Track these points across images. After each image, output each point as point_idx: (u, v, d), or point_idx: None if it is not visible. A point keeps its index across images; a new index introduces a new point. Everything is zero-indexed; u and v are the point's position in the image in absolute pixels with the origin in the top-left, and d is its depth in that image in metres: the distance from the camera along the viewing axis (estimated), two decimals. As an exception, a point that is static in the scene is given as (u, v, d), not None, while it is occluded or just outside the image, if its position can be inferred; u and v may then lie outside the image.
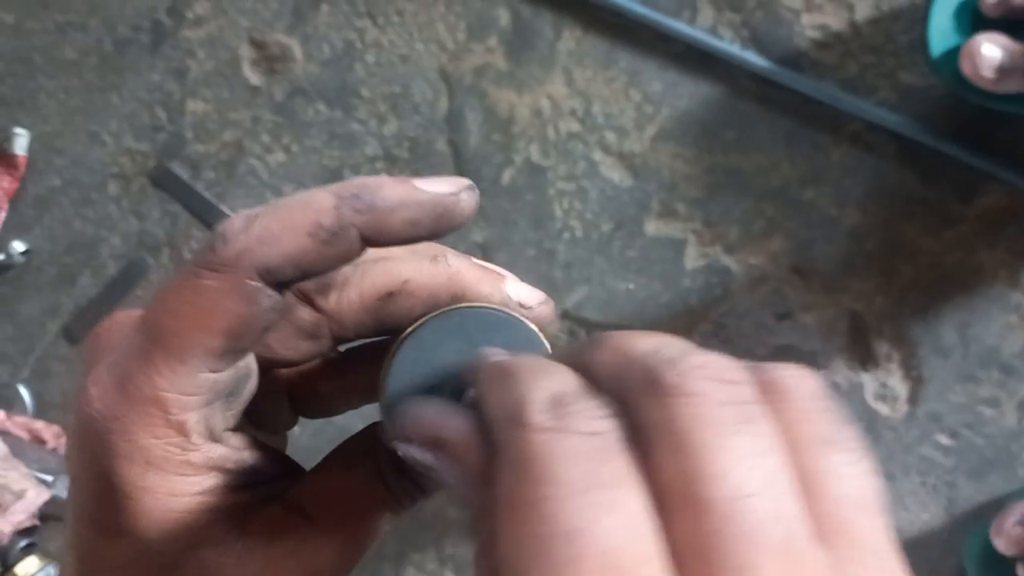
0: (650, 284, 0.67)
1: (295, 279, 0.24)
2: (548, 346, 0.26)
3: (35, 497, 0.69)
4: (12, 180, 0.69)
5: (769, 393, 0.20)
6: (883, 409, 0.66)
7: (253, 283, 0.23)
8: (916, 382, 0.66)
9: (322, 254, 0.23)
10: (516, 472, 0.18)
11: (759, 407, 0.19)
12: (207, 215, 0.69)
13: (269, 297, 0.23)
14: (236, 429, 0.26)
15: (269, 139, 0.68)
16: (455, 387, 0.24)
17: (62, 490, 0.70)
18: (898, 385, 0.66)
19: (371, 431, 0.27)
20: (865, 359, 0.66)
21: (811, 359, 0.66)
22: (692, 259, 0.67)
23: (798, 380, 0.21)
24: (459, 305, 0.26)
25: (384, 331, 0.27)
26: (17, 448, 0.69)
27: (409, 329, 0.25)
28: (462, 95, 0.67)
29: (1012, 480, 0.66)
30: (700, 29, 0.64)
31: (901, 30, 0.63)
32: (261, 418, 0.29)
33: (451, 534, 0.70)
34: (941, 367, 0.66)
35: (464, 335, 0.25)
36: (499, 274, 0.28)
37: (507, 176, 0.67)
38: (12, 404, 0.71)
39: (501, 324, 0.26)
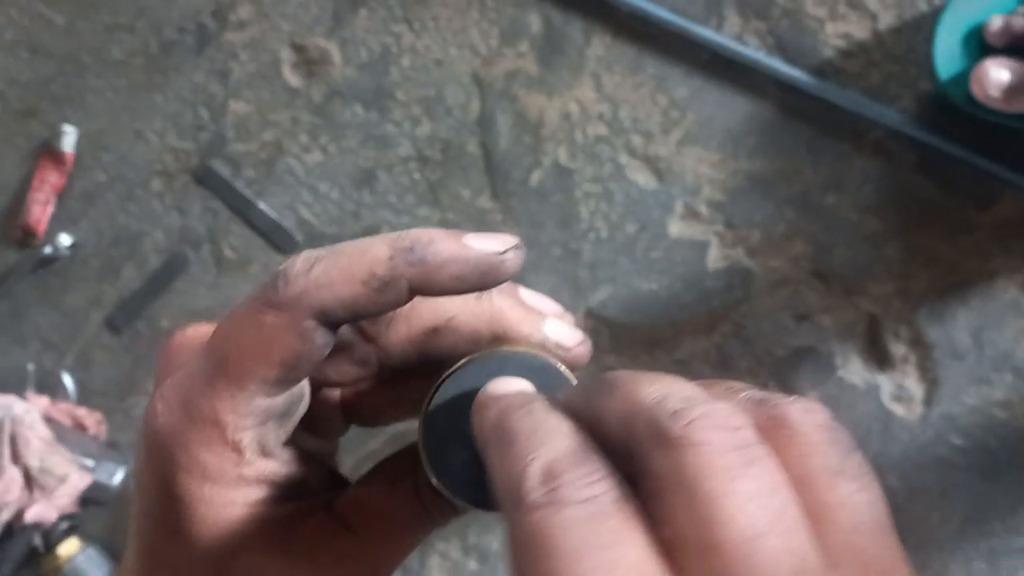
0: (673, 285, 0.69)
1: (347, 320, 0.26)
2: None
3: (77, 481, 0.72)
4: (60, 176, 0.72)
5: (776, 428, 0.21)
6: (899, 410, 0.68)
7: (309, 323, 0.25)
8: (931, 384, 0.68)
9: (373, 301, 0.25)
10: (519, 551, 0.19)
11: (762, 448, 0.20)
12: (246, 212, 0.72)
13: (323, 336, 0.25)
14: (288, 443, 0.28)
15: (307, 139, 0.71)
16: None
17: (103, 475, 0.73)
18: (914, 387, 0.68)
19: (413, 449, 0.29)
20: (882, 361, 0.68)
21: (829, 360, 0.68)
22: (714, 261, 0.69)
23: (803, 414, 0.21)
24: (498, 349, 0.27)
25: (428, 362, 0.29)
26: (60, 434, 0.72)
27: (449, 371, 0.27)
28: (493, 99, 0.69)
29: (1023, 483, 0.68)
30: (726, 36, 0.66)
31: (923, 40, 0.65)
32: (314, 425, 0.31)
33: (475, 524, 0.72)
34: (956, 370, 0.67)
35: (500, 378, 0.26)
36: (540, 313, 0.29)
37: (535, 178, 0.69)
38: (56, 391, 0.74)
39: (535, 368, 0.27)
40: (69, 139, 0.72)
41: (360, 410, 0.32)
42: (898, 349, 0.68)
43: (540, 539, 0.19)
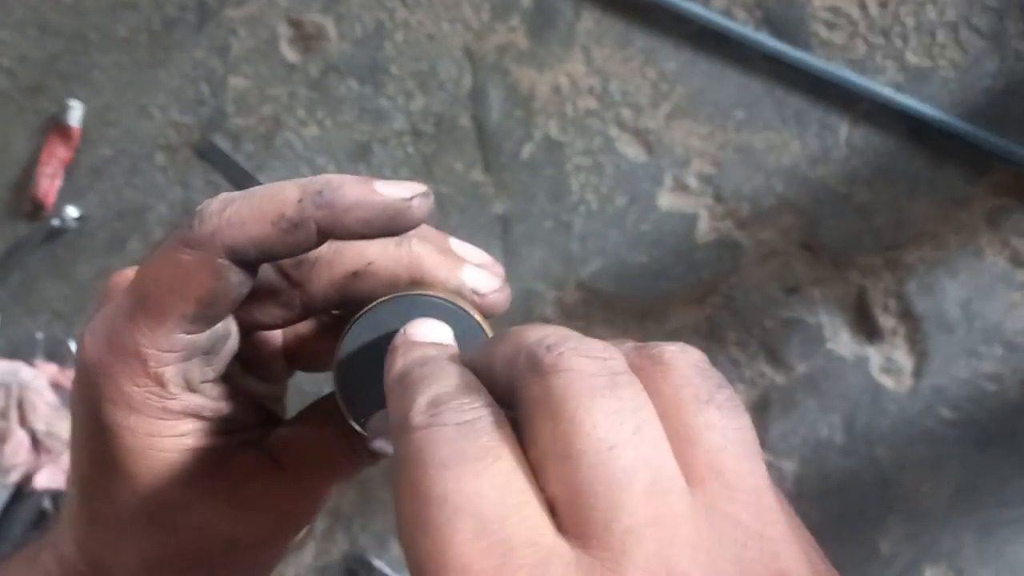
0: (663, 257, 0.70)
1: (260, 260, 0.27)
2: (488, 334, 0.28)
3: (84, 445, 0.74)
4: (67, 150, 0.74)
5: (652, 366, 0.22)
6: (888, 383, 0.68)
7: (222, 261, 0.26)
8: (921, 356, 0.68)
9: (283, 241, 0.26)
10: (400, 469, 0.21)
11: (628, 376, 0.21)
12: (247, 185, 0.73)
13: (236, 274, 0.26)
14: (221, 381, 0.29)
15: (304, 114, 0.72)
16: None
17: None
18: (903, 359, 0.68)
19: None
20: (871, 333, 0.68)
21: (818, 332, 0.68)
22: (704, 233, 0.69)
23: (678, 353, 0.22)
24: (409, 292, 0.28)
25: (349, 305, 0.30)
26: (67, 400, 0.74)
27: (360, 312, 0.28)
28: (485, 73, 0.70)
29: (1014, 454, 0.67)
30: (715, 10, 0.67)
31: (909, 12, 0.65)
32: (257, 368, 0.32)
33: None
34: (945, 342, 0.67)
35: (407, 320, 0.27)
36: (459, 260, 0.30)
37: (527, 151, 0.70)
38: (64, 359, 0.76)
39: (443, 312, 0.27)
40: (76, 114, 0.74)
41: (300, 355, 0.33)
42: (887, 321, 0.68)
43: (417, 454, 0.20)
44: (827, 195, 0.67)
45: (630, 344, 0.23)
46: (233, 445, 0.30)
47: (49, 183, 0.75)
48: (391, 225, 0.27)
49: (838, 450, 0.69)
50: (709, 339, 0.70)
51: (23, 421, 0.72)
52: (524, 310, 0.71)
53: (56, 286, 0.76)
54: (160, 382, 0.27)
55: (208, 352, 0.28)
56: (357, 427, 0.28)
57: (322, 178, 0.27)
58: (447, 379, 0.22)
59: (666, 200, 0.69)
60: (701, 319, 0.70)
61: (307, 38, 0.72)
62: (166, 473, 0.28)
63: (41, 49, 0.75)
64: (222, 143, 0.73)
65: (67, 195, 0.75)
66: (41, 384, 0.72)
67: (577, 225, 0.70)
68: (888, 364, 0.68)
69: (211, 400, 0.29)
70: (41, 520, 0.76)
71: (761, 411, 0.69)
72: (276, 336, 0.33)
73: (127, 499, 0.28)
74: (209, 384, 0.29)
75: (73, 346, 0.76)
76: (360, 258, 0.30)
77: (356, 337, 0.28)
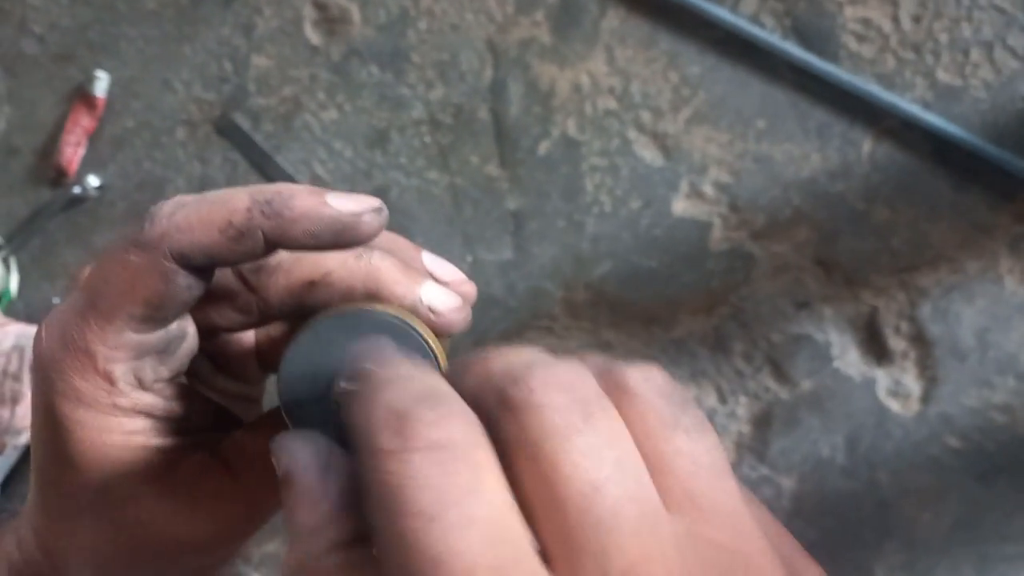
0: (673, 263, 0.69)
1: (207, 266, 0.27)
2: (439, 356, 0.27)
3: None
4: (92, 120, 0.75)
5: (617, 392, 0.21)
6: (895, 406, 0.67)
7: (170, 265, 0.26)
8: (930, 382, 0.66)
9: (230, 249, 0.26)
10: (377, 504, 0.19)
11: (601, 402, 0.21)
12: (263, 165, 0.74)
13: (184, 278, 0.26)
14: (176, 381, 0.29)
15: (324, 97, 0.72)
16: (331, 387, 0.25)
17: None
18: (912, 384, 0.67)
19: None
20: (880, 355, 0.67)
21: (826, 349, 0.67)
22: (717, 242, 0.68)
23: (642, 379, 0.22)
24: (358, 306, 0.27)
25: (305, 315, 0.29)
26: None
27: (308, 322, 0.27)
28: (507, 66, 0.69)
29: (1019, 489, 0.66)
30: (742, 16, 0.65)
31: (943, 28, 0.63)
32: (230, 369, 0.32)
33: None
34: (957, 370, 0.66)
35: (354, 336, 0.26)
36: (420, 276, 0.29)
37: (543, 148, 0.70)
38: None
39: (389, 329, 0.26)
40: (102, 84, 0.75)
41: (271, 356, 0.33)
42: (898, 344, 0.66)
43: (393, 496, 0.19)
44: (845, 211, 0.66)
45: (598, 361, 0.23)
46: (186, 446, 0.30)
47: (73, 151, 0.75)
48: (339, 239, 0.27)
49: (838, 471, 0.68)
50: (715, 349, 0.69)
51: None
52: (531, 308, 0.70)
53: (75, 253, 0.78)
54: (109, 379, 0.28)
55: (162, 352, 0.29)
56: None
57: (274, 187, 0.27)
58: (409, 385, 0.21)
59: (681, 206, 0.68)
60: (708, 328, 0.69)
61: (331, 21, 0.72)
62: (114, 468, 0.28)
63: (72, 17, 0.75)
64: (242, 121, 0.74)
65: (89, 164, 0.76)
66: (53, 349, 0.73)
67: (590, 226, 0.70)
68: (896, 387, 0.67)
69: (163, 399, 0.29)
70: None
71: (763, 425, 0.68)
72: (248, 337, 0.34)
73: (76, 491, 0.29)
74: (163, 384, 0.29)
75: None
76: (318, 268, 0.30)
77: (300, 350, 0.27)
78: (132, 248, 0.26)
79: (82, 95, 0.75)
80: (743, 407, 0.69)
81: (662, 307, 0.69)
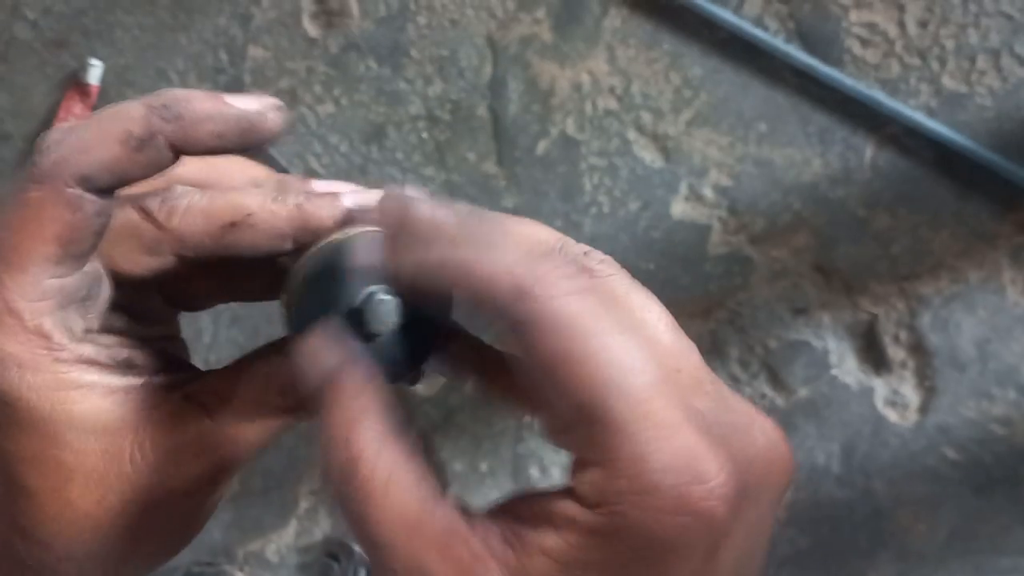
0: (671, 266, 0.68)
1: (114, 185, 0.25)
2: None
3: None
4: (84, 108, 0.74)
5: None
6: (892, 415, 0.66)
7: (73, 191, 0.25)
8: (928, 392, 0.66)
9: (134, 161, 0.25)
10: (543, 336, 0.23)
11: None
12: (256, 158, 0.72)
13: (92, 203, 0.25)
14: (106, 330, 0.28)
15: (321, 90, 0.71)
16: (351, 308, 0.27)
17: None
18: (910, 393, 0.66)
19: (271, 344, 0.29)
20: (879, 364, 0.66)
21: (823, 357, 0.66)
22: (715, 246, 0.67)
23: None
24: (341, 235, 0.28)
25: (226, 255, 0.28)
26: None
27: (305, 258, 0.27)
28: (506, 63, 0.69)
29: (1015, 502, 0.65)
30: (746, 18, 0.65)
31: (949, 34, 0.62)
32: (136, 313, 0.31)
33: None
34: (956, 380, 0.65)
35: (351, 259, 0.27)
36: (333, 195, 0.29)
37: (542, 147, 0.69)
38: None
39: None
40: (96, 72, 0.74)
41: (175, 294, 0.32)
42: (897, 353, 0.66)
43: (567, 320, 0.23)
44: (845, 217, 0.65)
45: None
46: (151, 390, 0.29)
47: (64, 139, 0.74)
48: (245, 138, 0.26)
49: (834, 479, 0.67)
50: (711, 354, 0.68)
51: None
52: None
53: (65, 242, 0.77)
54: (43, 334, 0.26)
55: (85, 298, 0.27)
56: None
57: (168, 91, 0.26)
58: (530, 238, 0.26)
59: (679, 208, 0.68)
60: (705, 333, 0.68)
61: (330, 13, 0.71)
62: (85, 427, 0.27)
63: (66, 3, 0.74)
64: (237, 113, 0.73)
65: (81, 153, 0.75)
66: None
67: (587, 226, 0.69)
68: (894, 397, 0.66)
69: (104, 348, 0.28)
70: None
71: (758, 433, 0.68)
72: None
73: (50, 464, 0.27)
74: (95, 333, 0.28)
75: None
76: (237, 209, 0.28)
77: (310, 276, 0.27)
78: (30, 185, 0.25)
79: (76, 82, 0.74)
80: (738, 413, 0.68)
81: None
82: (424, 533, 0.24)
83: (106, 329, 0.28)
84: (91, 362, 0.27)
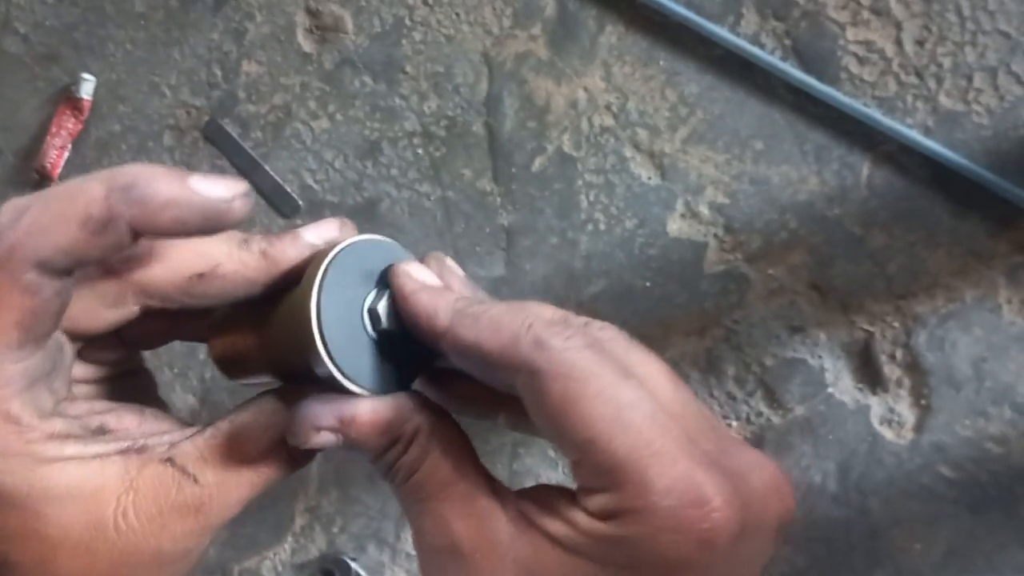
0: (667, 284, 0.68)
1: (73, 267, 0.25)
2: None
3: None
4: (77, 122, 0.73)
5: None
6: (887, 433, 0.66)
7: (31, 276, 0.24)
8: (924, 411, 0.65)
9: (93, 244, 0.24)
10: (558, 382, 0.27)
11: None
12: (251, 173, 0.72)
13: (50, 285, 0.24)
14: (79, 397, 0.28)
15: (315, 105, 0.71)
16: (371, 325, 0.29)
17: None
18: (906, 411, 0.66)
19: (244, 404, 0.29)
20: (874, 382, 0.66)
21: (819, 375, 0.66)
22: (711, 263, 0.67)
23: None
24: (346, 244, 0.29)
25: (196, 305, 0.28)
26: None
27: (320, 274, 0.28)
28: (502, 80, 0.68)
29: (1012, 520, 0.65)
30: (742, 36, 0.64)
31: (946, 53, 0.62)
32: (95, 360, 0.30)
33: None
34: (952, 399, 0.65)
35: (387, 262, 0.30)
36: (293, 233, 0.29)
37: (538, 163, 0.68)
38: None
39: (387, 248, 0.30)
40: (88, 87, 0.73)
41: (133, 337, 0.31)
42: (892, 371, 0.65)
43: (572, 367, 0.26)
44: (841, 236, 0.65)
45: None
46: (130, 455, 0.28)
47: (57, 154, 0.74)
48: (208, 226, 0.26)
49: (829, 498, 0.67)
50: (707, 372, 0.68)
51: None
52: (521, 325, 0.69)
53: (56, 257, 0.76)
54: (11, 419, 0.26)
55: (50, 372, 0.27)
56: (342, 378, 0.28)
57: (129, 171, 0.25)
58: (542, 310, 0.31)
59: (675, 226, 0.67)
60: (700, 350, 0.68)
61: (324, 29, 0.70)
62: (64, 499, 0.27)
63: (57, 17, 0.74)
64: (231, 128, 0.72)
65: (73, 168, 0.75)
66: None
67: (583, 243, 0.68)
68: (889, 415, 0.66)
69: (74, 419, 0.28)
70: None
71: (754, 451, 0.67)
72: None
73: (33, 539, 0.27)
74: (68, 403, 0.28)
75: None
76: (204, 259, 0.28)
77: (332, 288, 0.29)
78: None
79: (68, 97, 0.73)
80: (735, 431, 0.68)
81: (655, 328, 0.68)
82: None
83: (73, 385, 0.28)
84: (64, 436, 0.27)
